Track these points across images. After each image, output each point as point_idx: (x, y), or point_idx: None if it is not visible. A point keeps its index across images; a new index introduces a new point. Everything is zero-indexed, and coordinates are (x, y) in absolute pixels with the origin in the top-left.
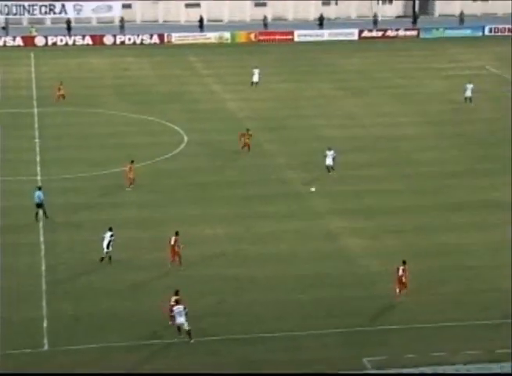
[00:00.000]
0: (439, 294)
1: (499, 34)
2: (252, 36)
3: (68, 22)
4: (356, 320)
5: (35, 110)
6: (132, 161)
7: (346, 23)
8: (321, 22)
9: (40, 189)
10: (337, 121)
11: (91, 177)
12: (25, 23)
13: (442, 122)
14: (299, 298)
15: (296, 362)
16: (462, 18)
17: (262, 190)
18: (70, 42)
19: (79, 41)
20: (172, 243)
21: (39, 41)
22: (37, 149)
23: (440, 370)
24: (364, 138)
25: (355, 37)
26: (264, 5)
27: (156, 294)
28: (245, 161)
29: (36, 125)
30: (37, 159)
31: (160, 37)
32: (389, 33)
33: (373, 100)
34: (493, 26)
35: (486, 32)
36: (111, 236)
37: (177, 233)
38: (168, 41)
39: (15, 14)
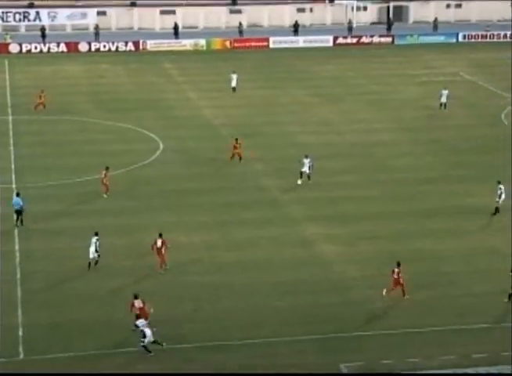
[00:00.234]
0: (414, 300)
1: (473, 40)
2: (227, 43)
3: (43, 29)
4: (332, 326)
5: (10, 118)
6: (107, 168)
7: (321, 29)
8: (296, 29)
9: (18, 195)
10: (312, 127)
11: (67, 184)
12: None
13: (417, 128)
14: (275, 305)
15: (272, 368)
16: (436, 25)
17: (238, 197)
18: (45, 49)
19: (54, 48)
20: (159, 245)
21: (13, 48)
22: (12, 156)
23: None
24: (339, 144)
25: (330, 44)
26: (239, 11)
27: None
28: (221, 168)
29: (11, 133)
30: (12, 167)
31: (135, 44)
32: (364, 39)
33: (348, 107)
34: (467, 32)
35: (460, 39)
36: (97, 240)
37: (161, 235)
38: (143, 49)
39: None
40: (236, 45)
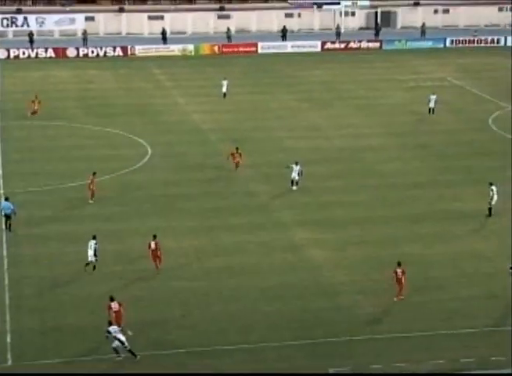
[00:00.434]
0: (403, 305)
1: (461, 45)
2: (216, 48)
3: (30, 34)
4: (321, 331)
5: None
6: (94, 173)
7: (309, 35)
8: (284, 34)
9: (7, 199)
10: (300, 132)
11: (56, 190)
12: None
13: (405, 133)
14: (264, 310)
15: (261, 373)
16: (424, 30)
17: (227, 202)
18: (33, 55)
19: (42, 53)
20: (153, 247)
21: (1, 53)
22: (0, 162)
23: None
24: (328, 149)
25: (318, 49)
26: (227, 17)
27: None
28: (209, 173)
29: None
30: (0, 172)
31: (124, 49)
32: (352, 45)
33: (336, 112)
34: (454, 38)
35: (448, 44)
36: (95, 243)
37: (155, 237)
38: (132, 54)
39: None
40: (224, 50)
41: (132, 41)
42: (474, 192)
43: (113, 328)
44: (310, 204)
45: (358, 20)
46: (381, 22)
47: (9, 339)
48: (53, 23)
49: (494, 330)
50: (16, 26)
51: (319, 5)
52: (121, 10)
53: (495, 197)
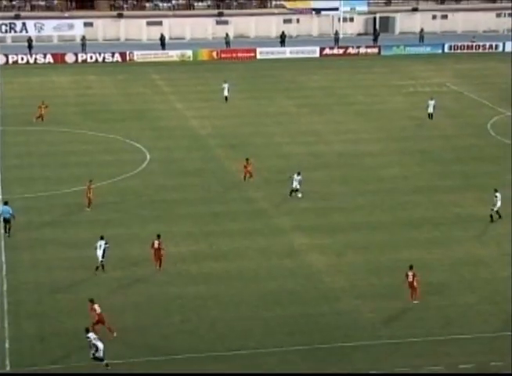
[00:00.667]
0: (402, 310)
1: (459, 51)
2: (214, 54)
3: (29, 40)
4: (320, 337)
5: None
6: (91, 181)
7: (307, 40)
8: (283, 39)
9: (6, 203)
10: (299, 137)
11: (54, 195)
12: None
13: (404, 139)
14: (263, 315)
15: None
16: (422, 35)
17: (225, 208)
18: (32, 61)
19: (40, 59)
20: (156, 246)
21: (0, 59)
22: None
23: None
24: (327, 154)
25: (317, 55)
26: (226, 22)
27: (120, 312)
28: (208, 179)
29: None
30: None
31: (122, 55)
32: (350, 50)
33: (335, 117)
34: (453, 43)
35: (446, 49)
36: (105, 244)
37: (159, 236)
38: (130, 60)
39: None
40: (222, 55)
41: (131, 46)
42: (473, 197)
43: (92, 334)
44: (309, 209)
45: (356, 26)
46: (380, 28)
47: (7, 345)
48: (52, 28)
49: (493, 336)
50: (15, 31)
51: (318, 11)
52: (120, 16)
53: (499, 204)
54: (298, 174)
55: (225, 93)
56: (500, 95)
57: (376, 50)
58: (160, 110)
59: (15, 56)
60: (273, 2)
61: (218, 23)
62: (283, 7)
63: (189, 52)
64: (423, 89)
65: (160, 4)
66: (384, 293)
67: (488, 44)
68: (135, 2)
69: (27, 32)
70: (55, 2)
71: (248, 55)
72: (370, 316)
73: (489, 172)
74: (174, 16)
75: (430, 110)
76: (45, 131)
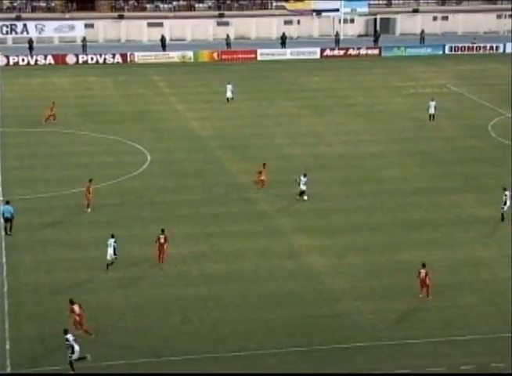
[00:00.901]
0: (402, 311)
1: (459, 52)
2: (215, 55)
3: (30, 41)
4: (321, 338)
5: None
6: (90, 180)
7: (308, 41)
8: (283, 41)
9: (8, 203)
10: (300, 139)
11: (55, 197)
12: None
13: (405, 140)
14: (264, 317)
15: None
16: (423, 37)
17: (226, 209)
18: (32, 62)
19: (41, 60)
20: (162, 241)
21: (0, 60)
22: None
23: None
24: (327, 156)
25: (317, 56)
26: (226, 24)
27: (120, 313)
28: (209, 180)
29: None
30: (0, 179)
31: (123, 56)
32: (351, 51)
33: (336, 118)
34: (453, 44)
35: (446, 51)
36: (115, 242)
37: (163, 231)
38: (131, 61)
39: None
40: (223, 57)
41: (132, 48)
42: (474, 198)
43: (70, 336)
44: (309, 210)
45: (357, 27)
46: (380, 29)
47: (8, 346)
48: (53, 30)
49: (494, 337)
50: (16, 33)
51: (318, 12)
52: (121, 17)
53: (509, 202)
54: (304, 175)
55: (228, 94)
56: (501, 96)
57: (376, 51)
58: (161, 111)
59: (16, 58)
60: (274, 4)
61: (218, 24)
62: (284, 8)
63: (190, 54)
64: (424, 90)
65: (161, 5)
66: (384, 294)
67: (488, 45)
68: (135, 3)
69: (27, 33)
70: (56, 3)
71: (249, 56)
72: (370, 318)
73: (490, 174)
74: (175, 17)
75: (432, 111)
76: (46, 132)
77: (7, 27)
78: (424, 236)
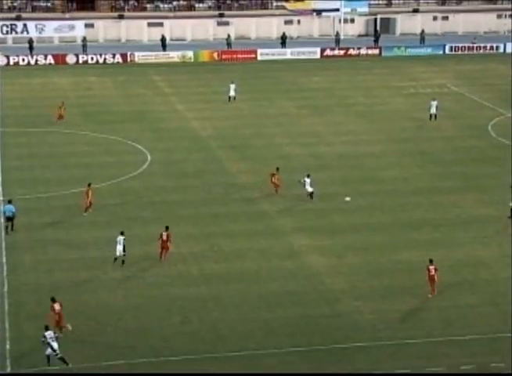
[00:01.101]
0: (402, 311)
1: (460, 52)
2: (215, 55)
3: (30, 41)
4: (321, 338)
5: None
6: (89, 184)
7: (308, 41)
8: (283, 41)
9: (10, 202)
10: (300, 139)
11: (55, 197)
12: None
13: (405, 140)
14: (264, 317)
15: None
16: (423, 37)
17: (226, 209)
18: (33, 62)
19: (41, 60)
20: (165, 238)
21: (1, 60)
22: (0, 169)
23: None
24: (327, 156)
25: (318, 56)
26: (226, 24)
27: (120, 313)
28: (209, 180)
29: None
30: (0, 179)
31: (123, 56)
32: (351, 51)
33: (336, 118)
34: (453, 44)
35: (447, 51)
36: (124, 239)
37: (167, 228)
38: (131, 61)
39: None
40: (223, 56)
41: (132, 47)
42: (474, 198)
43: (49, 334)
44: (309, 210)
45: (357, 27)
46: (380, 29)
47: (8, 346)
48: (53, 29)
49: (494, 337)
50: (16, 33)
51: (319, 12)
52: (121, 17)
53: None
54: (308, 176)
55: (232, 93)
56: (501, 96)
57: (376, 51)
58: (161, 111)
59: (16, 57)
60: (274, 4)
61: (218, 24)
62: (284, 8)
63: (190, 54)
64: (424, 90)
65: (161, 5)
66: (384, 294)
67: (488, 45)
68: (135, 3)
69: (27, 33)
70: (56, 3)
71: (249, 56)
72: (370, 318)
73: (490, 174)
74: (175, 17)
75: (433, 110)
76: (46, 132)
77: (7, 26)
78: (424, 236)
